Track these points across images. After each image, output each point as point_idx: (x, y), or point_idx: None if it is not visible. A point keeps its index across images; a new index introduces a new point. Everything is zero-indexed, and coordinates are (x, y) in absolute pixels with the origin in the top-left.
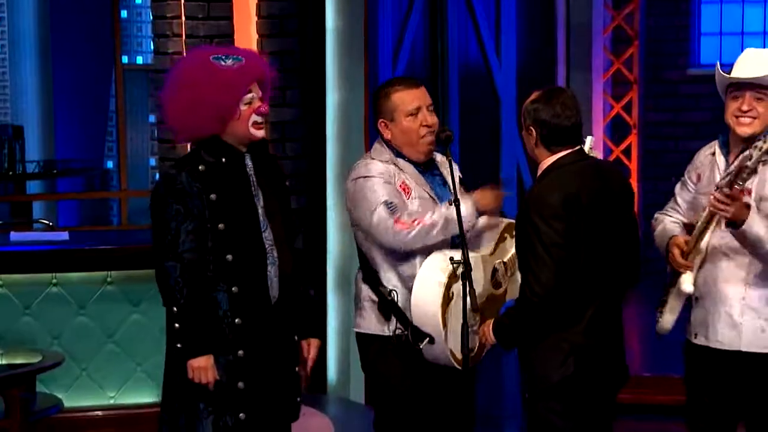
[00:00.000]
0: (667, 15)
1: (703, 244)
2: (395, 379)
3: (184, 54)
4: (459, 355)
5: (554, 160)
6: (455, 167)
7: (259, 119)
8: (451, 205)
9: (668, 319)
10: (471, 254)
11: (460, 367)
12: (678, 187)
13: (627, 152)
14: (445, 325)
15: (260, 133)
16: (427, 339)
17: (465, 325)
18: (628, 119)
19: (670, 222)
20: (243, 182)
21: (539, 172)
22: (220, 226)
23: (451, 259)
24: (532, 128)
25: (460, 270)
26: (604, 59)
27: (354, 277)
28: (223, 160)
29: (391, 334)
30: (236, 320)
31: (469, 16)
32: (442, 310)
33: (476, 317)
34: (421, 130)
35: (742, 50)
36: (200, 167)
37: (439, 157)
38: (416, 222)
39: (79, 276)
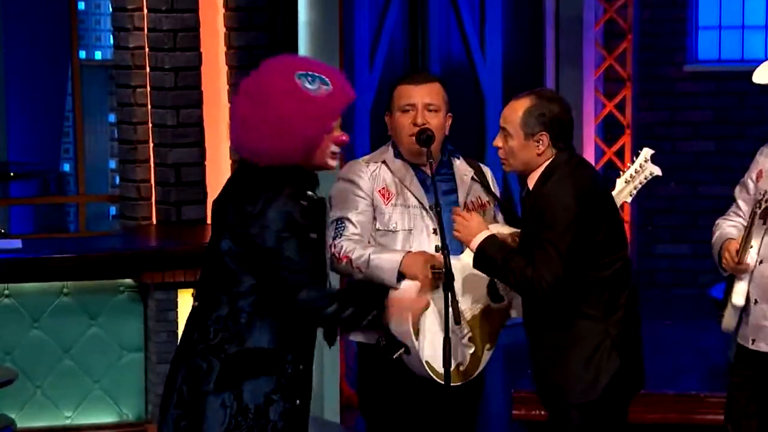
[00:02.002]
0: (663, 7)
1: (755, 244)
2: (377, 390)
3: (149, 48)
4: (440, 369)
5: (554, 158)
6: (489, 175)
7: (336, 149)
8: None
9: (728, 321)
10: (458, 261)
11: (442, 382)
12: (737, 189)
13: (620, 154)
14: (417, 335)
15: (335, 164)
16: (403, 349)
17: (447, 339)
18: (621, 119)
19: (727, 226)
20: (324, 217)
21: (536, 175)
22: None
23: (432, 267)
24: (543, 134)
25: (441, 279)
26: (595, 55)
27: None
28: (315, 195)
29: (375, 342)
30: (300, 366)
31: (452, 9)
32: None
33: (466, 329)
34: (410, 128)
35: (742, 45)
36: (303, 202)
37: (458, 162)
38: (344, 258)
39: (33, 287)
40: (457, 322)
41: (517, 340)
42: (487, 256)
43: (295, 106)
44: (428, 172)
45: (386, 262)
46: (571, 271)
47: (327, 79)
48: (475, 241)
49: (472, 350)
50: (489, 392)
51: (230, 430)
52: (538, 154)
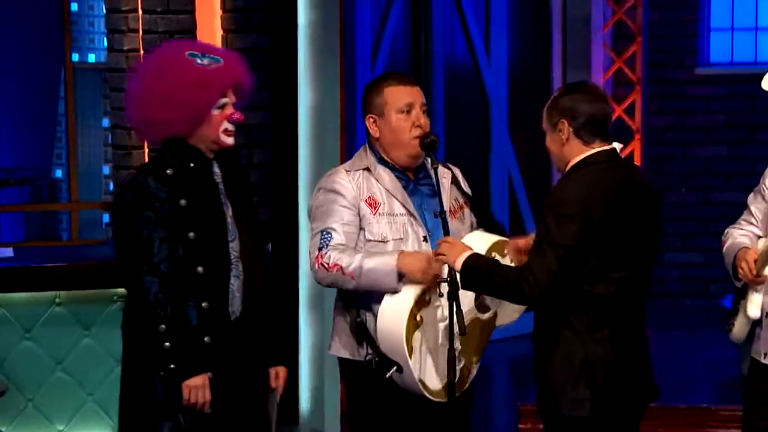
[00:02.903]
0: (674, 8)
1: None
2: (365, 406)
3: (144, 50)
4: (432, 386)
5: (585, 156)
6: (460, 176)
7: (230, 126)
8: (438, 217)
9: (738, 331)
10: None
11: (435, 399)
12: (751, 197)
13: (629, 160)
14: (410, 353)
15: (230, 141)
16: (395, 368)
17: (451, 349)
18: (630, 123)
19: (739, 235)
20: (211, 189)
21: (566, 169)
22: (191, 235)
23: (436, 276)
24: (563, 122)
25: (445, 289)
26: (604, 57)
27: (326, 296)
28: (191, 165)
29: (362, 359)
30: (205, 338)
31: (456, 10)
32: (406, 338)
33: (456, 342)
34: (414, 130)
35: (755, 48)
36: (168, 171)
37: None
38: (334, 267)
39: (25, 296)
40: (462, 332)
41: (524, 353)
42: (471, 269)
43: (180, 74)
44: (411, 176)
45: (382, 264)
46: (571, 270)
47: (219, 58)
48: (460, 260)
49: (462, 364)
50: (495, 405)
51: (146, 414)
52: (563, 144)
